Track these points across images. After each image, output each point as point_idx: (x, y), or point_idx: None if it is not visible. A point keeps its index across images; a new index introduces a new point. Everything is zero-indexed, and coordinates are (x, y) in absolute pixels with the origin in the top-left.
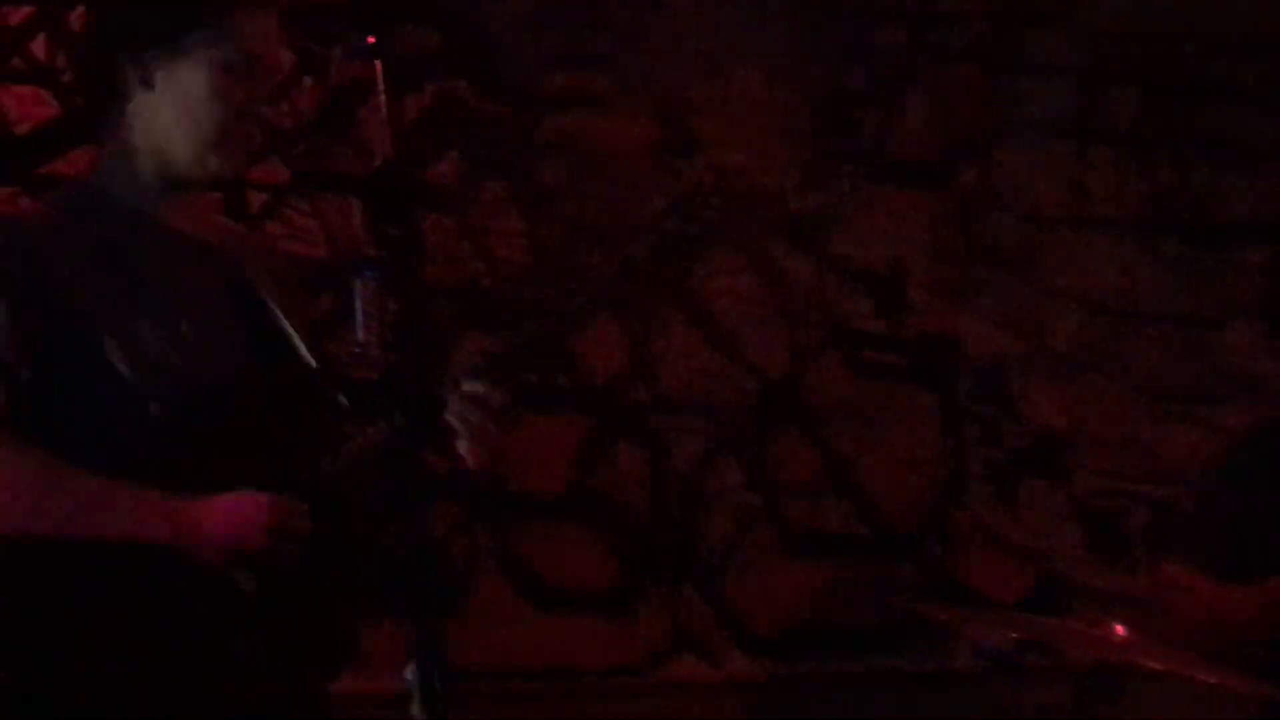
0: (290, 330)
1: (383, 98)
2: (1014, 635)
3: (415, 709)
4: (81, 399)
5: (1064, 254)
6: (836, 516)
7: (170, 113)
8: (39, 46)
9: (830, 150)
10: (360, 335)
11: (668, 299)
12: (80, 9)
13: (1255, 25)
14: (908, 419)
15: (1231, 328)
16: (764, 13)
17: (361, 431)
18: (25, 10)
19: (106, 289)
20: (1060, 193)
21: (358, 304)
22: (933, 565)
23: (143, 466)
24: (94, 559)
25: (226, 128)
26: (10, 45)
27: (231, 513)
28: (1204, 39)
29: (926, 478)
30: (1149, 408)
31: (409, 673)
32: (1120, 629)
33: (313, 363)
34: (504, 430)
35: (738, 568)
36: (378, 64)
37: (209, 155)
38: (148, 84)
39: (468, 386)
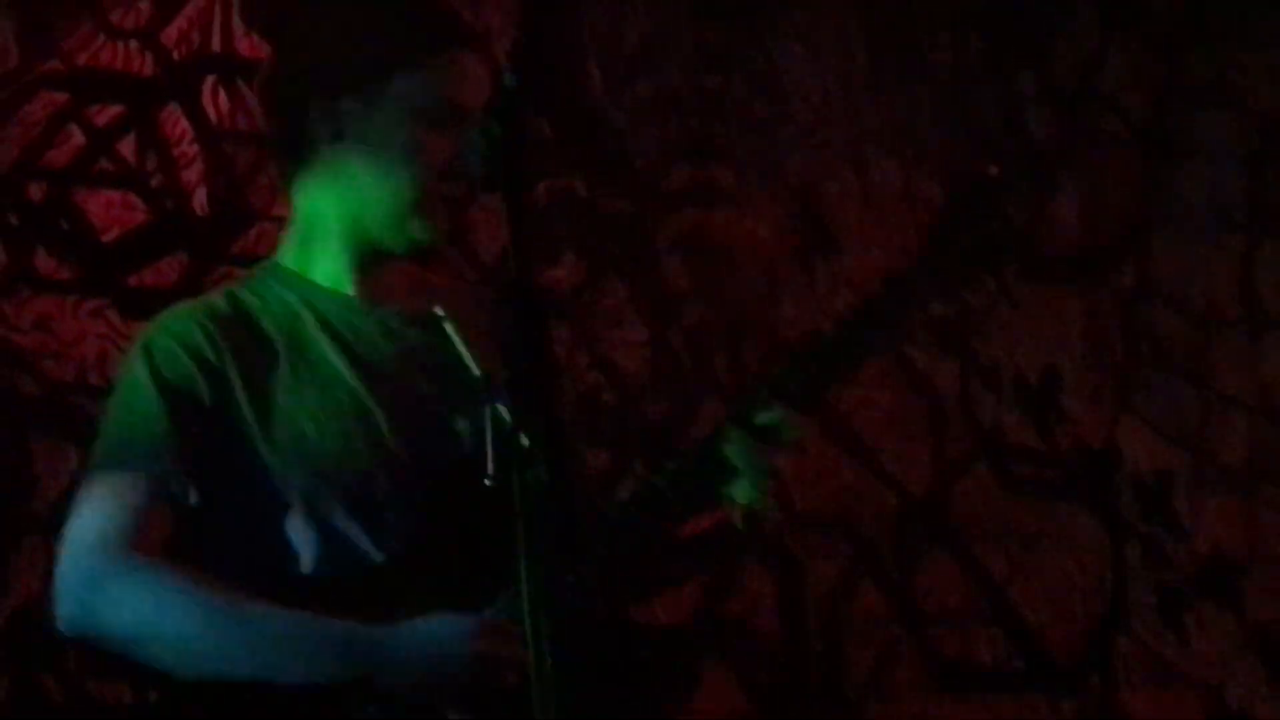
0: (502, 404)
1: (506, 211)
2: None
3: None
4: (248, 517)
5: (1233, 357)
6: (988, 647)
7: (365, 169)
8: (127, 148)
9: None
10: (490, 466)
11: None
12: (170, 106)
13: None
14: (1065, 539)
15: None
16: (904, 97)
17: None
18: (113, 110)
19: (285, 387)
20: (1228, 289)
21: (489, 435)
22: (1096, 700)
23: (324, 592)
24: (289, 705)
25: (429, 188)
26: (97, 147)
27: (430, 641)
28: None
29: (1087, 604)
30: None
31: None
32: None
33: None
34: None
35: (881, 703)
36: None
37: (409, 220)
38: (340, 135)
39: (762, 417)
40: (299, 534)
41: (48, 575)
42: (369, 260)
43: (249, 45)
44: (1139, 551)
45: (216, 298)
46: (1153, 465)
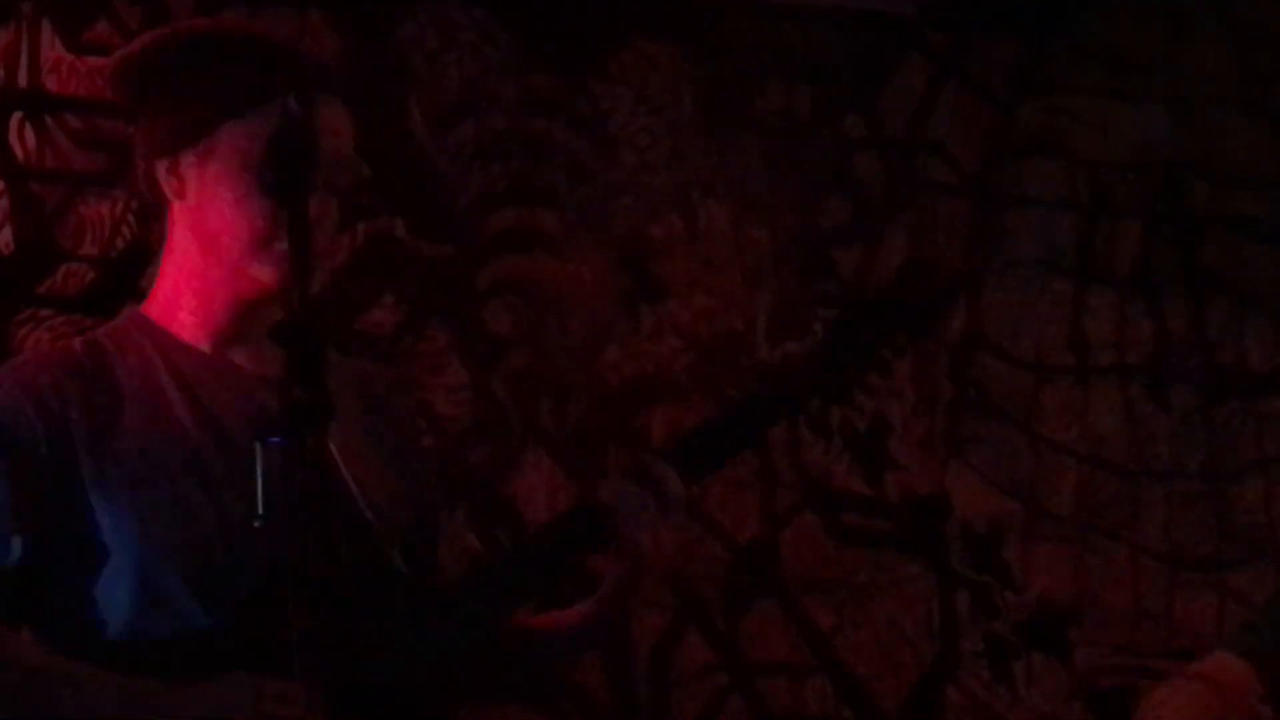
0: (348, 478)
1: (284, 246)
2: None
3: None
4: (80, 572)
5: (1063, 405)
6: (816, 698)
7: (207, 221)
8: None
9: (804, 292)
10: (260, 509)
11: (623, 456)
12: None
13: (1265, 156)
14: (894, 588)
15: (1251, 484)
16: (732, 143)
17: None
18: None
19: (130, 441)
20: (1058, 337)
21: (258, 473)
22: None
23: (145, 652)
24: None
25: (263, 232)
26: None
27: (213, 702)
28: (1211, 170)
29: (916, 654)
30: (1161, 573)
31: None
32: None
33: (375, 521)
34: (672, 523)
35: None
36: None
37: (249, 264)
38: (182, 194)
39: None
40: (126, 593)
41: None
42: (225, 316)
43: (56, 81)
44: (969, 601)
45: (74, 344)
46: (983, 513)
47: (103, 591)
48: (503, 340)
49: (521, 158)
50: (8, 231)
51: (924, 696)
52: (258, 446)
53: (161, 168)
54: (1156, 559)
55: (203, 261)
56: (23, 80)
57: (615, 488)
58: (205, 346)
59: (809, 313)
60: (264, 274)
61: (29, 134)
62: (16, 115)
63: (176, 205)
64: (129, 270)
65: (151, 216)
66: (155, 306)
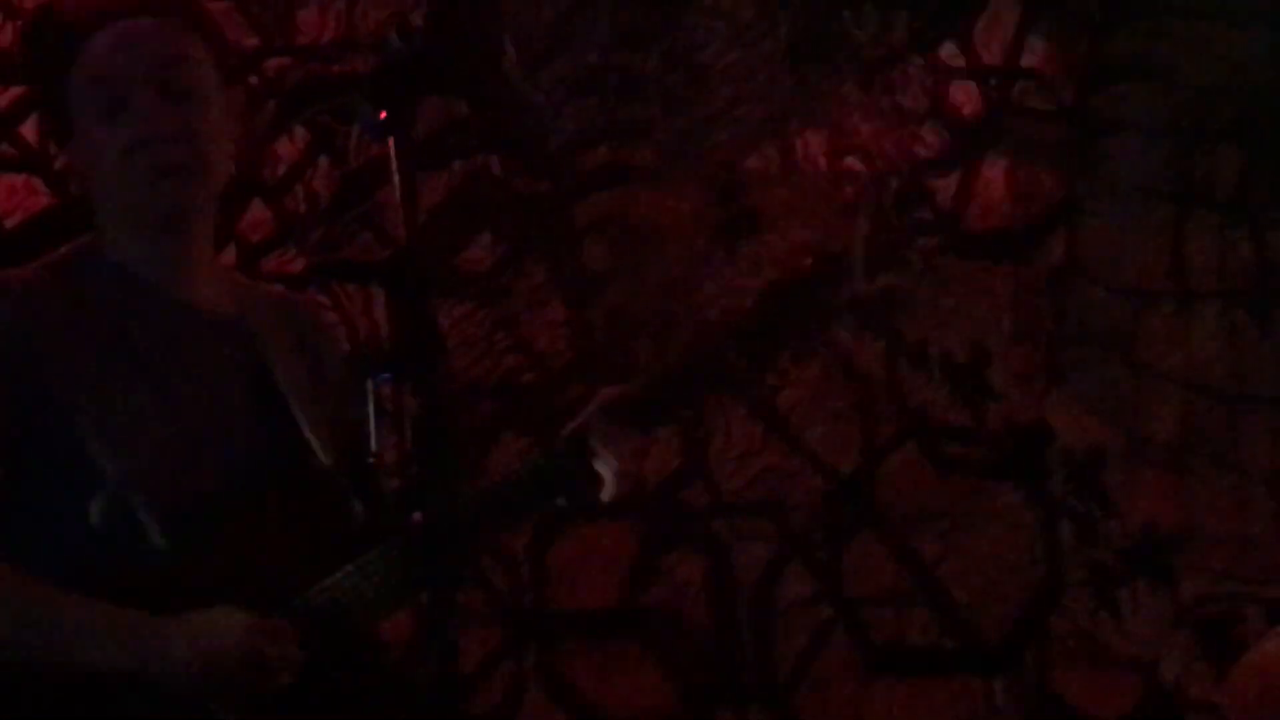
0: (304, 422)
1: (397, 179)
2: None
3: None
4: (51, 497)
5: (1164, 332)
6: (919, 628)
7: (96, 158)
8: (29, 130)
9: (902, 223)
10: (373, 443)
11: (725, 391)
12: None
13: None
14: (996, 519)
15: None
16: (826, 74)
17: (375, 546)
18: (13, 91)
19: (92, 370)
20: (1158, 264)
21: (370, 408)
22: (1028, 680)
23: (117, 578)
24: (50, 689)
25: (122, 163)
26: None
27: (202, 635)
28: None
29: (1018, 583)
30: (1264, 500)
31: None
32: None
33: (326, 462)
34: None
35: (811, 687)
36: (390, 142)
37: (135, 198)
38: (71, 138)
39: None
40: (102, 522)
41: None
42: (168, 252)
43: None
44: (1071, 529)
45: (33, 269)
46: (1084, 442)
47: (73, 521)
48: (600, 275)
49: (615, 93)
50: None
51: (1027, 625)
52: (369, 382)
53: (52, 117)
54: (1261, 485)
55: (105, 194)
56: None
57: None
58: (159, 279)
59: (905, 243)
60: (150, 203)
61: None
62: None
63: (74, 149)
64: (227, 212)
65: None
66: (97, 236)
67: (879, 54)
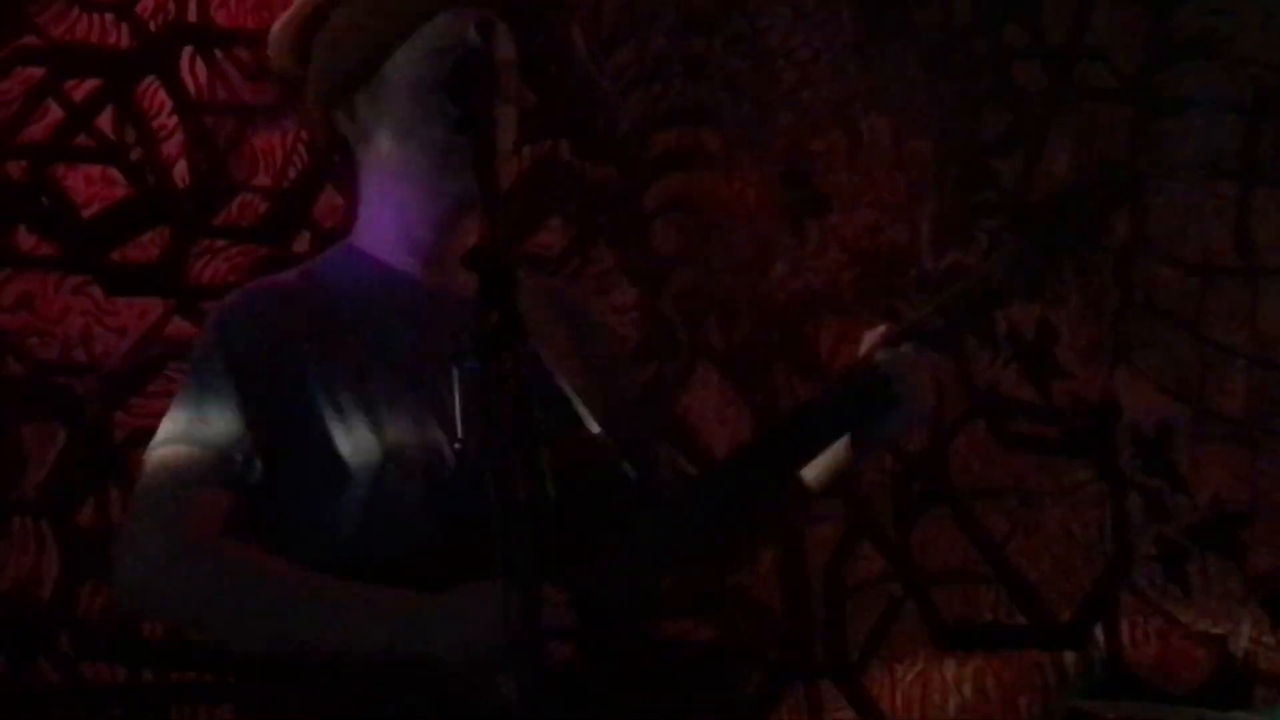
0: (571, 393)
1: (476, 173)
2: None
3: None
4: (309, 486)
5: (1230, 306)
6: (989, 605)
7: (389, 153)
8: (106, 122)
9: (967, 203)
10: (460, 431)
11: (793, 369)
12: (147, 78)
13: None
14: (1064, 494)
15: None
16: (890, 56)
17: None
18: (90, 84)
19: (356, 365)
20: (1223, 239)
21: (456, 397)
22: (1098, 655)
23: (381, 563)
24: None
25: (446, 146)
26: (75, 122)
27: (465, 610)
28: None
29: (1088, 559)
30: None
31: None
32: None
33: (595, 428)
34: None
35: (882, 664)
36: (470, 137)
37: (441, 182)
38: (365, 132)
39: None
40: (361, 512)
41: (39, 555)
42: (429, 238)
43: (225, 15)
44: (1140, 505)
45: (290, 275)
46: (1151, 417)
47: (333, 510)
48: (669, 259)
49: (682, 77)
50: (183, 165)
51: (1097, 600)
52: (454, 371)
53: (339, 116)
54: None
55: (396, 190)
56: (192, 15)
57: (887, 352)
58: (417, 273)
59: (972, 223)
60: (456, 187)
61: (200, 68)
62: (188, 49)
63: (361, 144)
64: (301, 199)
65: (331, 151)
66: (361, 238)
67: (943, 35)
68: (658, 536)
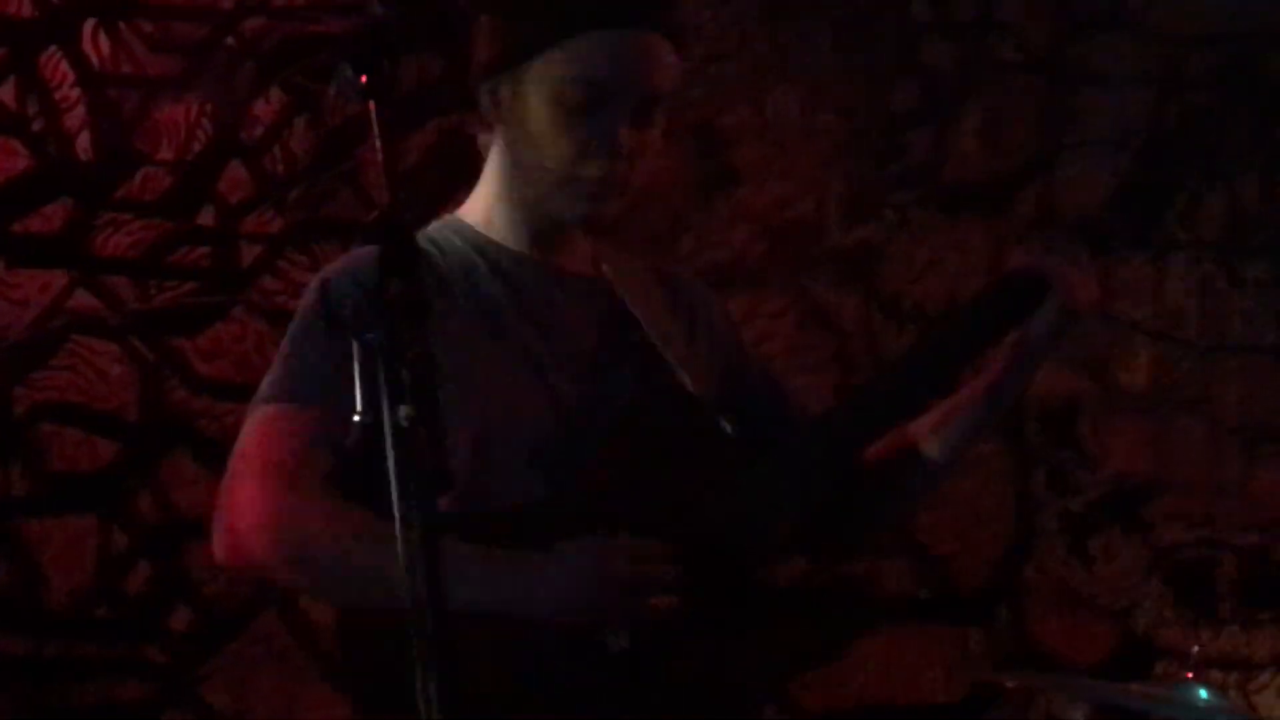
0: (673, 361)
1: (379, 143)
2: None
3: None
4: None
5: (1136, 282)
6: (895, 578)
7: (521, 147)
8: (7, 93)
9: (877, 177)
10: (359, 405)
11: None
12: (50, 50)
13: None
14: (970, 469)
15: None
16: (800, 30)
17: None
18: None
19: (458, 331)
20: (1130, 215)
21: (356, 370)
22: (1004, 628)
23: (493, 523)
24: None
25: (570, 166)
26: None
27: (573, 568)
28: None
29: (993, 533)
30: (1237, 448)
31: None
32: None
33: (692, 390)
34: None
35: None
36: (371, 105)
37: (554, 194)
38: (501, 118)
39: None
40: (464, 474)
41: None
42: (542, 226)
43: None
44: (1045, 478)
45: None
46: (1058, 392)
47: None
48: None
49: None
50: (86, 137)
51: (1002, 574)
52: (353, 343)
53: (483, 90)
54: (1233, 433)
55: (512, 184)
56: None
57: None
58: (524, 249)
59: (881, 197)
60: (568, 206)
61: (104, 40)
62: (91, 21)
63: (497, 125)
64: (205, 173)
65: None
66: (472, 213)
67: (852, 10)
68: (775, 481)
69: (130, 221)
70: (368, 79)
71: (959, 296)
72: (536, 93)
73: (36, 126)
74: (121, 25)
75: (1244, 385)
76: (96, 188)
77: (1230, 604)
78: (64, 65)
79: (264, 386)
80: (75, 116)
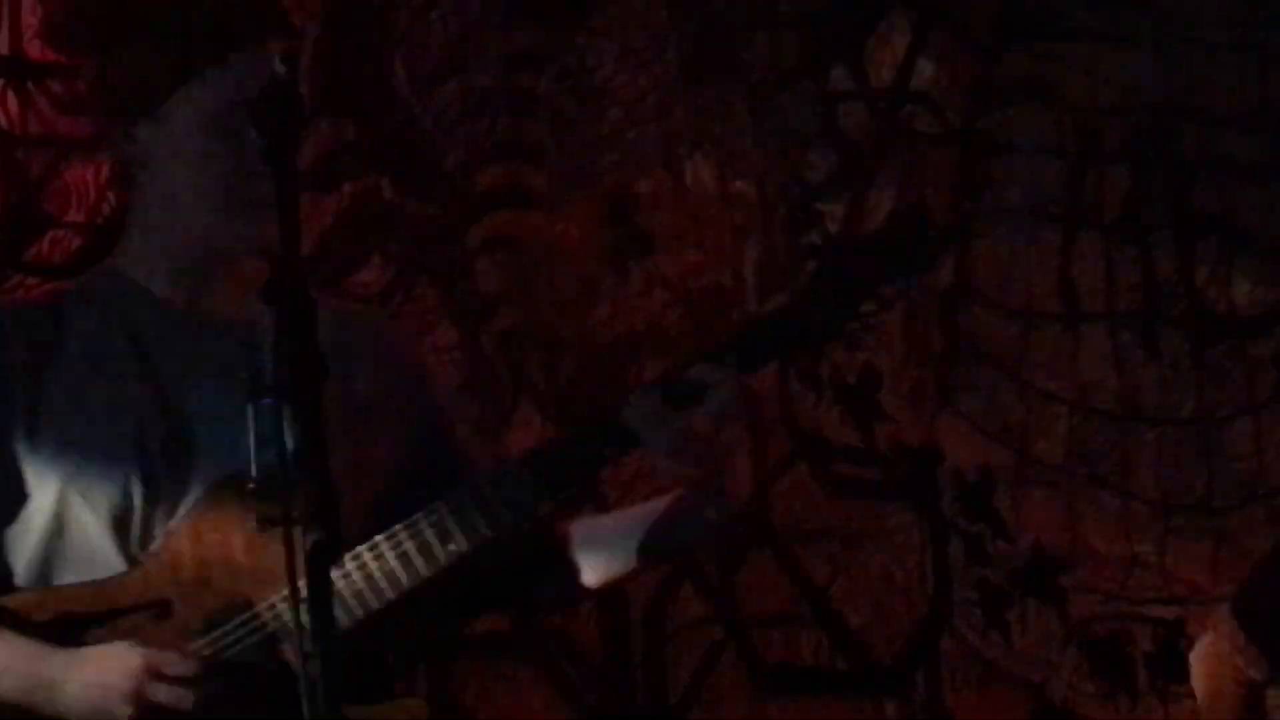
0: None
1: (277, 206)
2: None
3: None
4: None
5: (1053, 353)
6: (811, 649)
7: (169, 183)
8: None
9: (793, 245)
10: (253, 468)
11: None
12: None
13: (1253, 98)
14: (886, 539)
15: (1240, 428)
16: (716, 96)
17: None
18: None
19: (68, 389)
20: (1047, 285)
21: (251, 434)
22: (919, 700)
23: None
24: None
25: (231, 193)
26: None
27: (94, 672)
28: (1198, 113)
29: (910, 604)
30: (1151, 521)
31: None
32: None
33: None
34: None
35: (703, 708)
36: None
37: (219, 222)
38: (144, 161)
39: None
40: (43, 538)
41: None
42: (196, 267)
43: (37, 48)
44: (961, 549)
45: (41, 292)
46: (974, 462)
47: (18, 537)
48: (492, 298)
49: (507, 114)
50: None
51: (918, 645)
52: (250, 408)
53: (120, 136)
54: (1148, 505)
55: (167, 222)
56: (4, 47)
57: (641, 410)
58: (177, 298)
59: (796, 265)
60: (238, 229)
61: (12, 101)
62: None
63: (138, 169)
64: (115, 236)
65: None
66: (126, 258)
67: (769, 77)
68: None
69: (39, 285)
70: (267, 141)
71: (874, 364)
72: (185, 124)
73: None
74: (30, 85)
75: (1159, 457)
76: (3, 250)
77: (1146, 676)
78: None
79: None
80: None
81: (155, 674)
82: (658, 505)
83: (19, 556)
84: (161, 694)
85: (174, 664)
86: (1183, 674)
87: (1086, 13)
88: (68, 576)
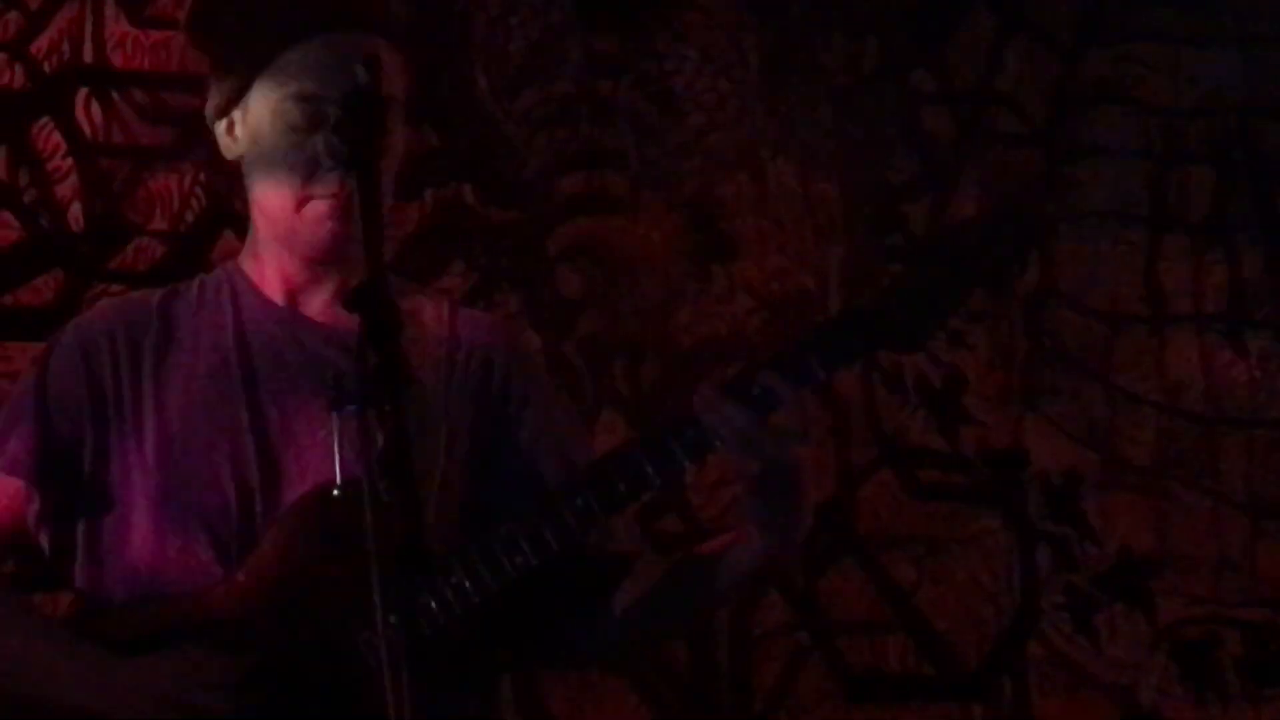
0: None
1: (358, 214)
2: None
3: None
4: (99, 522)
5: (1138, 355)
6: (897, 655)
7: (257, 178)
8: None
9: (876, 247)
10: (337, 475)
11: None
12: (42, 120)
13: None
14: (972, 544)
15: None
16: (798, 99)
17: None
18: None
19: (172, 391)
20: (1131, 287)
21: (335, 442)
22: (1007, 705)
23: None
24: None
25: (300, 193)
26: None
27: (142, 680)
28: None
29: (996, 608)
30: (1241, 523)
31: None
32: None
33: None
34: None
35: (789, 715)
36: (355, 176)
37: (293, 223)
38: (236, 152)
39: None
40: (143, 541)
41: None
42: (294, 268)
43: (122, 56)
44: (1048, 554)
45: (154, 292)
46: (1060, 466)
47: (125, 544)
48: (574, 304)
49: (588, 121)
50: (77, 208)
51: (1005, 651)
52: (334, 416)
53: (220, 129)
54: (1237, 508)
55: (261, 219)
56: (88, 56)
57: (716, 407)
58: (279, 298)
59: (880, 268)
60: (307, 233)
61: (96, 110)
62: (83, 91)
63: (239, 163)
64: (198, 243)
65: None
66: (246, 255)
67: (852, 79)
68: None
69: (123, 293)
70: (351, 149)
71: (959, 368)
72: (260, 115)
73: (28, 198)
74: (114, 95)
75: (1248, 459)
76: (88, 259)
77: (1236, 680)
78: (56, 136)
79: None
80: (67, 187)
81: (194, 682)
82: (714, 546)
83: (115, 567)
84: (201, 700)
85: (214, 674)
86: (1273, 677)
87: (1168, 13)
88: (165, 588)
